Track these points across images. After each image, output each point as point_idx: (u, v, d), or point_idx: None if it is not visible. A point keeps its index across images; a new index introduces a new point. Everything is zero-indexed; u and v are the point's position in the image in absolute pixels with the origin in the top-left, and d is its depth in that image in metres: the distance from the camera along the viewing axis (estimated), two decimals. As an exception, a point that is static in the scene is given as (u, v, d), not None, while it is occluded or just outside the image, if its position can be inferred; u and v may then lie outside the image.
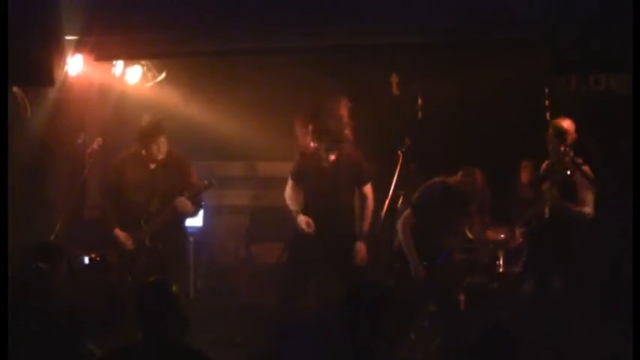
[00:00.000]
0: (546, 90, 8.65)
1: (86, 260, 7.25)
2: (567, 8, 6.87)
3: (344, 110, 8.45)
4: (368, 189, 7.81)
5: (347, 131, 8.01)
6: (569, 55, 7.84)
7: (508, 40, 7.55)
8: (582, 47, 7.52)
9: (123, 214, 7.73)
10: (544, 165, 7.77)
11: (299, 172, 7.89)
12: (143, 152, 7.70)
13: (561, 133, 7.56)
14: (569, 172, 7.43)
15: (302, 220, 7.69)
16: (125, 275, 7.47)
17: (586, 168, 7.49)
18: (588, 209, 7.48)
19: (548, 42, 7.35)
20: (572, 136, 7.56)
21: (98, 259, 7.22)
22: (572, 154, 7.44)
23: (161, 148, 7.67)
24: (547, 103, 8.60)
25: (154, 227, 7.63)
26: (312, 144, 7.81)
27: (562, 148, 7.47)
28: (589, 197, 7.50)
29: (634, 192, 5.91)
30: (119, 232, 7.64)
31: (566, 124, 7.60)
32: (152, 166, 7.74)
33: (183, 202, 7.57)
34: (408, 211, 7.76)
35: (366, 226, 7.74)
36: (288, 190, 7.89)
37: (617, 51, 7.74)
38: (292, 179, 7.91)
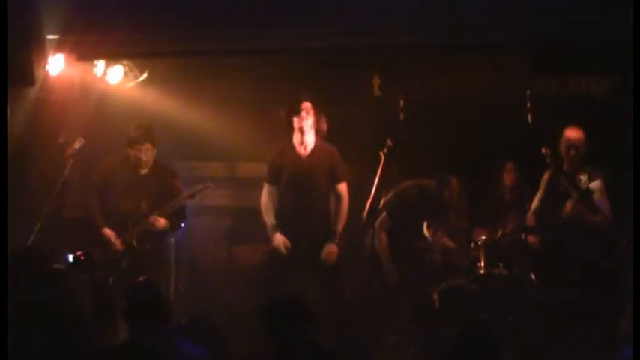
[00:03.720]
0: (527, 92, 8.68)
1: (70, 258, 7.22)
2: (548, 10, 6.92)
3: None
4: (343, 188, 7.70)
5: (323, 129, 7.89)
6: (550, 57, 7.91)
7: (490, 42, 7.57)
8: (563, 49, 7.59)
9: (110, 216, 7.78)
10: (545, 176, 7.75)
11: (274, 168, 7.78)
12: (132, 158, 7.75)
13: (574, 144, 7.49)
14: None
15: (278, 239, 7.62)
16: (107, 276, 7.48)
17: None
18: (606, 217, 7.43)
19: (530, 44, 7.41)
20: (584, 148, 7.51)
21: (83, 257, 7.20)
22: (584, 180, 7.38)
23: (146, 153, 7.72)
24: (528, 105, 8.63)
25: (142, 229, 7.69)
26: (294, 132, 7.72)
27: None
28: (605, 205, 7.47)
29: (634, 193, 5.92)
30: (109, 232, 7.70)
31: (578, 133, 7.53)
32: (142, 172, 7.82)
33: (154, 221, 7.67)
34: (383, 215, 7.80)
35: (339, 226, 7.65)
36: (264, 198, 7.80)
37: (598, 53, 7.82)
38: (268, 182, 7.82)
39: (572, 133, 7.54)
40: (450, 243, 7.91)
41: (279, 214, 7.78)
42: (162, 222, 7.73)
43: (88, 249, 7.49)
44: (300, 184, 7.65)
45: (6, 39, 6.70)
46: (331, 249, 7.59)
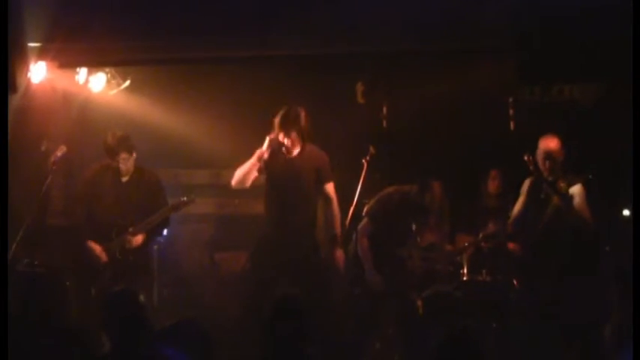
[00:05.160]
0: (510, 100, 8.71)
1: (52, 265, 7.22)
2: (533, 19, 6.94)
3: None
4: (330, 188, 7.60)
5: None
6: (533, 64, 7.93)
7: (474, 49, 7.59)
8: (547, 57, 7.61)
9: (93, 225, 7.78)
10: (527, 183, 7.75)
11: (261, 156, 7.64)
12: (114, 165, 7.76)
13: (550, 154, 7.48)
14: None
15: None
16: (89, 285, 7.47)
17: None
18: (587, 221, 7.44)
19: (514, 51, 7.42)
20: (560, 156, 7.50)
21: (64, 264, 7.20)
22: (562, 184, 7.38)
23: (124, 162, 7.75)
24: (511, 112, 8.66)
25: (126, 240, 7.69)
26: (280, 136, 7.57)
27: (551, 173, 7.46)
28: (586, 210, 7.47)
29: (634, 193, 5.94)
30: (94, 246, 7.69)
31: (554, 143, 7.50)
32: (124, 179, 7.84)
33: (130, 240, 7.68)
34: (364, 220, 7.80)
35: (337, 229, 7.56)
36: None
37: (581, 60, 7.85)
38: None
39: (547, 143, 7.50)
40: (431, 249, 7.92)
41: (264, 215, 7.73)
42: (138, 240, 7.74)
43: (72, 256, 7.50)
44: (286, 184, 7.58)
45: (6, 44, 6.68)
46: (337, 254, 7.54)
